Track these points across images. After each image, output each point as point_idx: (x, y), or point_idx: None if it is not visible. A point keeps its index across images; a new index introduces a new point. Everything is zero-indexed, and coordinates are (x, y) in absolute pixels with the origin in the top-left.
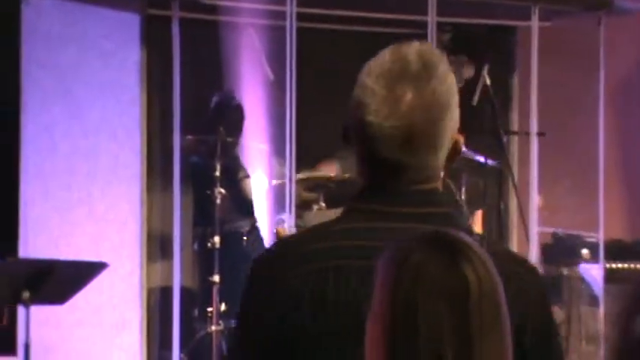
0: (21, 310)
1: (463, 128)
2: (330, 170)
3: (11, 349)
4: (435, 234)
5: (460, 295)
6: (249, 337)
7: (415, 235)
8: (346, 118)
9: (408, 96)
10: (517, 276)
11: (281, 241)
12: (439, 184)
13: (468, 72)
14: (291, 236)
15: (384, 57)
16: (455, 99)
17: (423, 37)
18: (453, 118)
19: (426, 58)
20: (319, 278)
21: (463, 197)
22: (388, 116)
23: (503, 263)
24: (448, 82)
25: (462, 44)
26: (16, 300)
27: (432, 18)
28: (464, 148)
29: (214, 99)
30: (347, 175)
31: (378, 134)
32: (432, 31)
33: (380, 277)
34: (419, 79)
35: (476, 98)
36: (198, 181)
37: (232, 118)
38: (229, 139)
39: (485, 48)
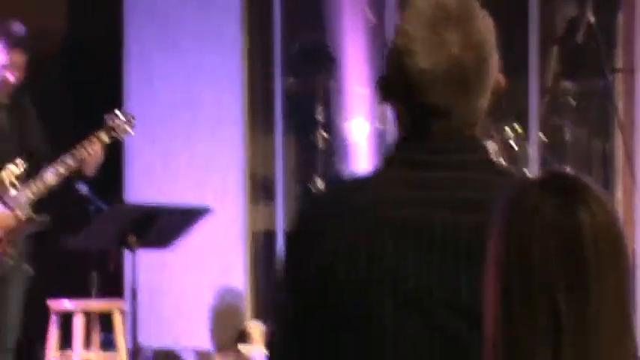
0: (127, 255)
1: (568, 66)
2: None
3: (119, 292)
4: (549, 175)
5: (574, 237)
6: (291, 286)
7: (533, 177)
8: (383, 69)
9: (455, 38)
10: None
11: (324, 191)
12: (481, 128)
13: (571, 11)
14: (336, 186)
15: (422, 4)
16: (494, 38)
17: None
18: (496, 56)
19: (462, 1)
20: (358, 230)
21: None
22: (439, 61)
23: None
24: (487, 21)
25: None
26: (123, 244)
27: None
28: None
29: (299, 46)
30: None
31: (429, 80)
32: None
33: (495, 222)
34: (462, 20)
35: (580, 37)
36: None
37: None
38: (332, 83)
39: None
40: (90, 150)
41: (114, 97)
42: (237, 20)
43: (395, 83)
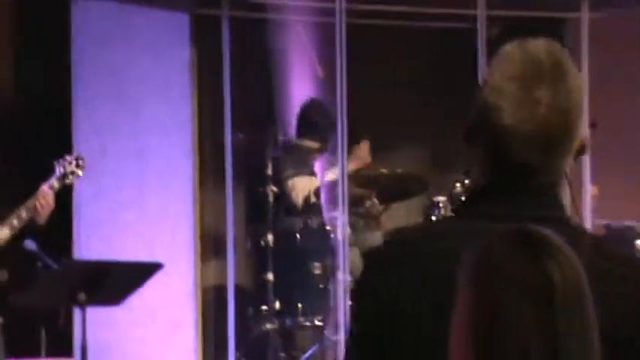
0: (77, 312)
1: None
2: (363, 151)
3: (68, 351)
4: (516, 230)
5: (544, 293)
6: (361, 334)
7: (496, 232)
8: (470, 119)
9: (545, 98)
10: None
11: (394, 238)
12: (563, 186)
13: None
14: (406, 232)
15: (513, 57)
16: (583, 98)
17: (472, 31)
18: (583, 117)
19: (556, 56)
20: (423, 280)
21: None
22: (526, 120)
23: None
24: (578, 81)
25: (511, 38)
26: (72, 301)
27: (481, 11)
28: None
29: (303, 105)
30: (399, 171)
31: (515, 138)
32: (481, 25)
33: (463, 275)
34: (554, 79)
35: None
36: (250, 180)
37: (323, 124)
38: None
39: (534, 39)
40: (42, 200)
41: (63, 148)
42: (187, 73)
43: (480, 136)
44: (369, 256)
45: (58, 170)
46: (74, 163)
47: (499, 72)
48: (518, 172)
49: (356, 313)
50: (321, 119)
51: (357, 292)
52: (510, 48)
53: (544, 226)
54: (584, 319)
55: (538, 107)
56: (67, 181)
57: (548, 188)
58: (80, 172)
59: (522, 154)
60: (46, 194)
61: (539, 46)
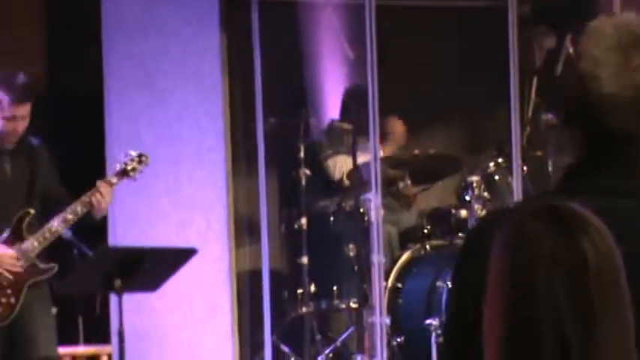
0: (113, 299)
1: (546, 99)
2: (396, 126)
3: (105, 337)
4: (545, 207)
5: (577, 266)
6: (459, 317)
7: (528, 208)
8: (566, 96)
9: None
10: None
11: (490, 216)
12: None
13: (549, 42)
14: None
15: (605, 29)
16: None
17: (502, 9)
18: None
19: None
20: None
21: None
22: (626, 87)
23: None
24: None
25: (541, 14)
26: (109, 288)
27: None
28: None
29: (346, 90)
30: (432, 152)
31: (615, 106)
32: (512, 2)
33: (495, 252)
34: None
35: (559, 68)
36: (282, 164)
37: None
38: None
39: (566, 16)
40: (99, 195)
41: (97, 139)
42: (218, 60)
43: (578, 108)
44: (472, 234)
45: (119, 166)
46: (137, 159)
47: (593, 44)
48: (619, 142)
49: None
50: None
51: (459, 269)
52: (600, 22)
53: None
54: (618, 294)
55: (637, 74)
56: (128, 177)
57: None
58: (142, 169)
59: (623, 122)
60: (103, 188)
61: (630, 17)
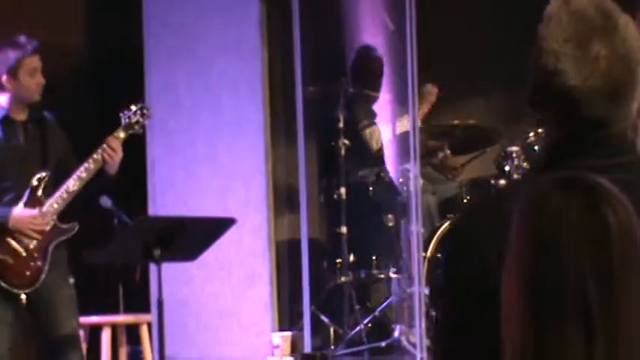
0: (153, 268)
1: None
2: (428, 86)
3: (145, 306)
4: (572, 178)
5: (601, 237)
6: (451, 299)
7: (551, 180)
8: (531, 85)
9: (603, 51)
10: None
11: (478, 200)
12: (633, 127)
13: None
14: (490, 194)
15: (561, 17)
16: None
17: None
18: None
19: (603, 8)
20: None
21: None
22: (590, 77)
23: None
24: (630, 26)
25: None
26: (148, 258)
27: None
28: None
29: (355, 52)
30: (471, 122)
31: (582, 96)
32: None
33: (518, 223)
34: (606, 31)
35: None
36: (322, 133)
37: (373, 70)
38: (352, 90)
39: None
40: (108, 149)
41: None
42: (257, 29)
43: (546, 101)
44: (457, 225)
45: (124, 120)
46: (139, 112)
47: (551, 35)
48: (590, 126)
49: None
50: (378, 66)
51: (450, 258)
52: (555, 8)
53: (622, 172)
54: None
55: (598, 62)
56: (133, 130)
57: (620, 135)
58: (145, 121)
59: (592, 110)
60: (111, 142)
61: (583, 1)
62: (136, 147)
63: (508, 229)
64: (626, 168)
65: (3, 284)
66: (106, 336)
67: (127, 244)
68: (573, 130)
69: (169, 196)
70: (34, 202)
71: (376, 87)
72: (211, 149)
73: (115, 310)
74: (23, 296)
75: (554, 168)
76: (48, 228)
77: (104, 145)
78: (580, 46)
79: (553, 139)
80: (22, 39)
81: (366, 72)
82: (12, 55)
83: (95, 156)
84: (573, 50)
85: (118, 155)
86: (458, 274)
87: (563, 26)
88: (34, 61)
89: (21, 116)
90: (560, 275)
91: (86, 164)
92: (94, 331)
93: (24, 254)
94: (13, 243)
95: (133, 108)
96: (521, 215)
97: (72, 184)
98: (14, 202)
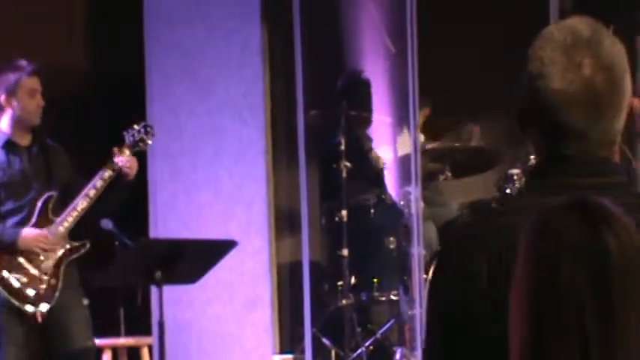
0: (154, 291)
1: None
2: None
3: (146, 329)
4: (574, 200)
5: (602, 262)
6: (439, 315)
7: (555, 202)
8: (519, 100)
9: (587, 59)
10: None
11: (468, 217)
12: (616, 151)
13: None
14: (480, 211)
15: (552, 32)
16: (626, 61)
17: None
18: (628, 79)
19: (592, 26)
20: (497, 255)
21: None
22: (572, 82)
23: None
24: (618, 45)
25: (583, 7)
26: (149, 280)
27: None
28: None
29: (341, 78)
30: (473, 144)
31: (563, 101)
32: None
33: (522, 245)
34: (593, 43)
35: None
36: (323, 156)
37: (360, 94)
38: (353, 113)
39: (608, 9)
40: (126, 165)
41: None
42: (259, 53)
43: (530, 108)
44: (446, 233)
45: (128, 139)
46: (143, 130)
47: (542, 45)
48: (569, 137)
49: (437, 289)
50: (366, 90)
51: (440, 268)
52: (550, 28)
53: (602, 193)
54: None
55: (582, 69)
56: (138, 148)
57: (603, 155)
58: (149, 140)
59: (571, 117)
60: (123, 157)
61: (575, 19)
62: (137, 171)
63: (501, 244)
64: (618, 188)
65: (16, 302)
66: (106, 359)
67: (128, 267)
68: (552, 140)
69: (171, 221)
70: (43, 221)
71: (368, 110)
72: (213, 173)
73: (116, 333)
74: (42, 309)
75: (542, 186)
76: (59, 246)
77: (118, 163)
78: (566, 53)
79: (537, 157)
80: (22, 61)
81: (356, 96)
82: (11, 76)
83: (103, 174)
84: (559, 56)
85: (135, 164)
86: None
87: (553, 37)
88: (33, 83)
89: (24, 141)
90: (560, 300)
91: (95, 182)
92: (95, 354)
93: (37, 273)
94: (25, 263)
95: (136, 127)
96: (525, 238)
97: (80, 202)
98: (20, 224)
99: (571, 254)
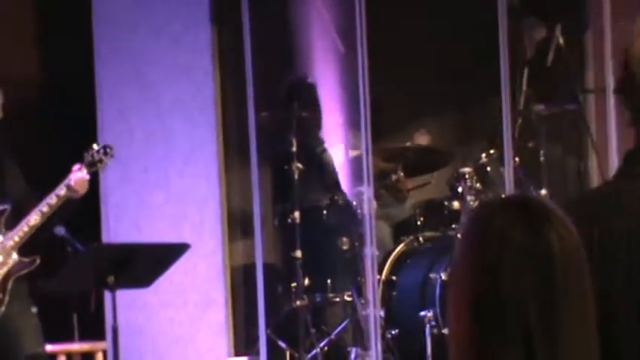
0: (107, 295)
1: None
2: (422, 140)
3: (100, 334)
4: (515, 199)
5: (544, 259)
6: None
7: (495, 200)
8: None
9: None
10: None
11: (569, 203)
12: None
13: (539, 33)
14: (578, 197)
15: None
16: None
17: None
18: None
19: None
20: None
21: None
22: None
23: None
24: None
25: (531, 5)
26: (102, 285)
27: None
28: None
29: (287, 82)
30: (424, 144)
31: None
32: None
33: (462, 242)
34: None
35: (549, 59)
36: (276, 157)
37: (308, 97)
38: (304, 114)
39: (556, 7)
40: (76, 187)
41: (88, 135)
42: (209, 54)
43: (631, 85)
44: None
45: (86, 159)
46: (102, 151)
47: (636, 47)
48: None
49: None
50: (313, 93)
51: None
52: None
53: None
54: (581, 284)
55: None
56: (95, 168)
57: None
58: (107, 161)
59: None
60: (77, 179)
61: None
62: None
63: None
64: None
65: None
66: None
67: (80, 272)
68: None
69: (123, 223)
70: None
71: (318, 112)
72: (164, 175)
73: (69, 338)
74: None
75: (629, 174)
76: (6, 261)
77: (71, 183)
78: None
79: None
80: None
81: (303, 99)
82: None
83: (58, 192)
84: None
85: (86, 185)
86: None
87: None
88: None
89: None
90: (502, 297)
91: (49, 200)
92: None
93: None
94: None
95: (96, 147)
96: (464, 235)
97: (33, 218)
98: None
99: (513, 255)
